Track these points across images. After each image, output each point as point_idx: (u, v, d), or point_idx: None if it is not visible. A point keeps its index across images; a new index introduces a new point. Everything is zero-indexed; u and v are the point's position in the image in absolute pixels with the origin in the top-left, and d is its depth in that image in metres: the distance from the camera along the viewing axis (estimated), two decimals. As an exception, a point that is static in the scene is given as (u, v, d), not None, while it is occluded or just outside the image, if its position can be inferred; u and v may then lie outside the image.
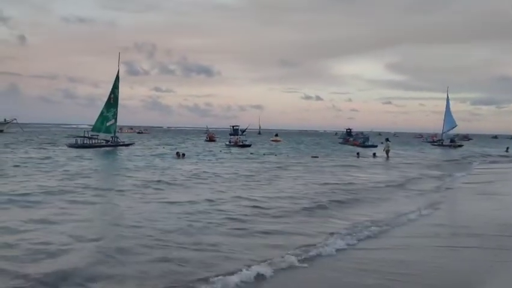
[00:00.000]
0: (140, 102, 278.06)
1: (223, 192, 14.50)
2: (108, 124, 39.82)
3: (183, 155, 30.72)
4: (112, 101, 40.49)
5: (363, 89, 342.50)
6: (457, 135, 73.55)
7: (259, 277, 6.30)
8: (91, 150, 34.88)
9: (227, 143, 50.54)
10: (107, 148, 37.39)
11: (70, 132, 54.81)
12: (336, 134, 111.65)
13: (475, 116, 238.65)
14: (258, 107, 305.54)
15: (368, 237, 8.85)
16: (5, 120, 70.41)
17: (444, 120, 66.68)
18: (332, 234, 8.95)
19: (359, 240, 8.56)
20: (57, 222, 9.32)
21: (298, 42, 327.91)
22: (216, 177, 18.75)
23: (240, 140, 49.61)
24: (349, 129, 79.33)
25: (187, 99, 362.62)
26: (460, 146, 61.92)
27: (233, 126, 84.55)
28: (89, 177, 17.69)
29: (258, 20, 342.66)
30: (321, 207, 12.15)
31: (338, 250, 7.80)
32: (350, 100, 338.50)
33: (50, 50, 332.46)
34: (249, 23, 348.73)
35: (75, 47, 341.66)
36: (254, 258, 7.14)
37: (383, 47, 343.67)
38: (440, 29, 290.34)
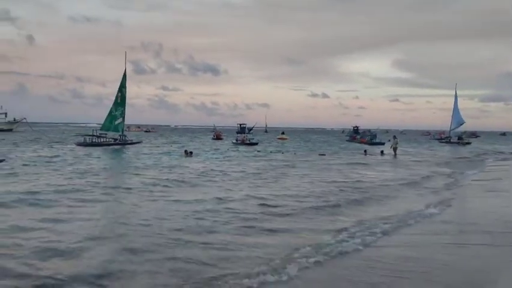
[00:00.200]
0: (147, 101, 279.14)
1: (231, 190, 14.53)
2: (116, 123, 40.18)
3: (190, 153, 30.79)
4: (120, 100, 40.80)
5: (370, 87, 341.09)
6: (465, 132, 73.00)
7: (270, 276, 6.27)
8: (99, 148, 35.11)
9: (234, 141, 50.59)
10: (115, 146, 37.65)
11: (78, 131, 55.26)
12: (343, 131, 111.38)
13: (483, 113, 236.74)
14: (265, 105, 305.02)
15: (377, 235, 8.79)
16: (14, 119, 70.97)
17: (452, 117, 66.29)
18: (340, 232, 8.94)
19: (368, 238, 8.52)
20: (67, 221, 9.36)
21: (305, 40, 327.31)
22: (223, 175, 18.79)
23: (246, 138, 49.65)
24: (356, 126, 79.01)
25: (193, 98, 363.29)
26: (468, 143, 61.46)
27: (240, 125, 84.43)
28: (98, 175, 17.82)
29: (263, 19, 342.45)
30: (329, 205, 12.11)
31: (347, 248, 7.78)
32: (356, 98, 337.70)
33: (58, 49, 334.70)
34: (254, 21, 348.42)
35: (82, 46, 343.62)
36: (263, 257, 7.14)
37: (389, 44, 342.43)
38: (446, 26, 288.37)
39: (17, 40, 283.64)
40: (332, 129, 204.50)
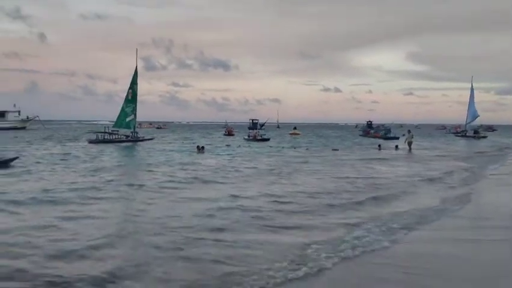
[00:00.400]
0: (159, 97, 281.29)
1: (243, 187, 14.37)
2: (128, 120, 40.38)
3: (202, 148, 30.98)
4: (131, 97, 40.98)
5: (384, 80, 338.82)
6: (481, 126, 72.05)
7: (287, 274, 6.14)
8: (111, 145, 35.24)
9: (246, 137, 50.42)
10: (127, 143, 37.78)
11: (90, 128, 55.65)
12: (356, 126, 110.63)
13: (500, 106, 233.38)
14: (276, 100, 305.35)
15: (395, 231, 8.57)
16: (27, 117, 71.72)
17: (468, 110, 65.29)
18: (356, 228, 8.75)
19: (386, 234, 8.32)
20: (79, 219, 9.29)
21: (317, 34, 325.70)
22: (235, 172, 18.63)
23: (258, 134, 49.41)
24: (370, 121, 78.44)
25: (204, 94, 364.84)
26: (484, 137, 60.52)
27: (252, 120, 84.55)
28: (110, 172, 17.79)
29: (275, 13, 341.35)
30: (343, 201, 11.89)
31: (364, 245, 7.58)
32: (370, 92, 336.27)
33: (69, 47, 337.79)
34: (265, 15, 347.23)
35: (93, 43, 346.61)
36: (279, 254, 6.98)
37: (403, 37, 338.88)
38: (462, 18, 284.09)
39: (29, 38, 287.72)
40: (345, 124, 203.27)
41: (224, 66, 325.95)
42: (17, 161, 20.55)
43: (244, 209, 10.46)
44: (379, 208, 11.12)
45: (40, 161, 22.04)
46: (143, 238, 7.88)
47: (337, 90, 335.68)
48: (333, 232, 8.50)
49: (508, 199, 12.77)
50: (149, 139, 42.68)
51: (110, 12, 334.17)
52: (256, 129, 63.91)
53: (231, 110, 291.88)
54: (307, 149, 36.35)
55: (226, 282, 5.83)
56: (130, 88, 41.17)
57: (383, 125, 68.34)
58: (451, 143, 48.41)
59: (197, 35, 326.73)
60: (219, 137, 56.36)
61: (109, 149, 31.45)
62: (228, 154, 28.98)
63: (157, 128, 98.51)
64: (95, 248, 7.18)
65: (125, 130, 40.42)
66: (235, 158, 26.21)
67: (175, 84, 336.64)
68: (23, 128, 68.67)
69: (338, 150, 34.54)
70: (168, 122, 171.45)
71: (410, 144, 35.23)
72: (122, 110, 40.54)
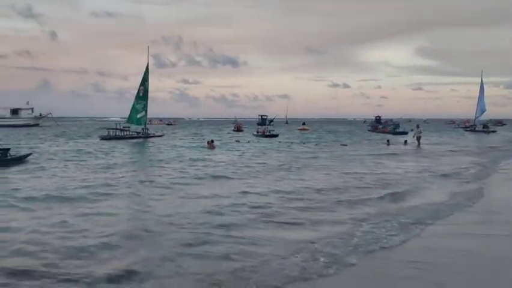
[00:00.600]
0: (169, 94, 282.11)
1: (254, 183, 14.49)
2: (138, 116, 40.85)
3: (212, 141, 31.61)
4: (142, 94, 41.41)
5: (392, 75, 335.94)
6: (490, 120, 71.34)
7: (298, 271, 6.21)
8: (122, 142, 35.63)
9: (255, 133, 50.56)
10: (138, 140, 38.17)
11: (102, 125, 56.24)
12: (364, 121, 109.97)
13: (509, 100, 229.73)
14: (285, 96, 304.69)
15: (406, 226, 8.62)
16: (40, 114, 72.53)
17: (477, 105, 64.84)
18: (365, 224, 8.80)
19: (397, 230, 8.36)
20: (91, 217, 9.39)
21: (325, 29, 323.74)
22: (245, 168, 18.79)
23: (267, 130, 49.51)
24: (378, 116, 78.01)
25: (214, 90, 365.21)
26: (493, 131, 60.04)
27: (261, 116, 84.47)
28: (122, 169, 18.03)
29: (283, 9, 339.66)
30: (353, 197, 11.96)
31: (375, 241, 7.64)
32: (378, 87, 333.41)
33: (80, 44, 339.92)
34: (274, 11, 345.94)
35: (104, 41, 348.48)
36: (290, 251, 7.05)
37: (412, 31, 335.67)
38: (471, 12, 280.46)
39: (41, 36, 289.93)
40: (354, 119, 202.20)
41: (233, 62, 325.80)
42: (30, 157, 20.98)
43: (254, 205, 10.55)
44: (390, 203, 11.16)
45: (53, 157, 22.41)
46: (155, 235, 7.96)
47: (345, 85, 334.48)
48: (344, 228, 8.56)
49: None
50: (159, 136, 43.11)
51: (121, 10, 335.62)
52: (265, 125, 63.94)
53: (241, 106, 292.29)
54: (316, 144, 36.40)
55: (238, 278, 5.90)
56: (141, 85, 41.58)
57: (391, 120, 67.86)
58: (460, 138, 48.11)
59: (206, 32, 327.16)
60: (228, 133, 56.52)
61: (120, 145, 31.82)
62: (238, 150, 29.16)
63: (167, 124, 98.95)
64: (107, 245, 7.23)
65: (136, 126, 40.92)
66: (245, 153, 26.37)
67: (184, 81, 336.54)
68: (36, 125, 69.51)
69: (346, 145, 34.58)
70: (178, 119, 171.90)
71: (418, 139, 35.14)
72: (133, 106, 41.04)
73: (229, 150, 29.05)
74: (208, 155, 25.15)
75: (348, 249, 7.17)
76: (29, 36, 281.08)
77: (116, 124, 41.41)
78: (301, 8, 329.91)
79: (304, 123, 72.39)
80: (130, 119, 40.90)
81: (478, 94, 65.47)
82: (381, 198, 11.87)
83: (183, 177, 15.68)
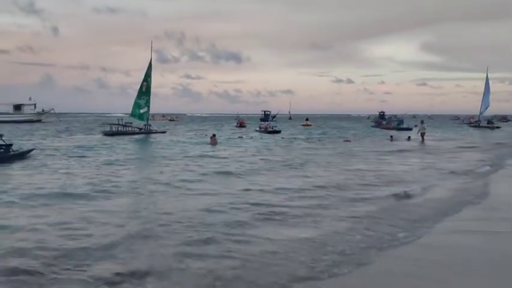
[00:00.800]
0: (171, 89, 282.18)
1: (257, 180, 14.39)
2: (141, 111, 40.91)
3: (214, 135, 32.09)
4: (145, 89, 41.40)
5: (397, 71, 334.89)
6: (495, 116, 70.99)
7: (300, 270, 6.12)
8: (125, 137, 35.61)
9: (257, 128, 50.50)
10: (140, 135, 38.17)
11: (104, 121, 56.30)
12: (368, 117, 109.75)
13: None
14: (288, 91, 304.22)
15: (412, 224, 8.51)
16: (43, 110, 72.62)
17: (482, 101, 64.55)
18: (370, 222, 8.68)
19: (403, 227, 8.26)
20: (94, 213, 9.35)
21: (329, 24, 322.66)
22: (247, 164, 18.70)
23: (269, 126, 49.42)
24: (382, 112, 77.80)
25: (216, 86, 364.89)
26: (498, 127, 59.79)
27: (264, 112, 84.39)
28: (124, 165, 17.98)
29: (287, 4, 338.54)
30: (356, 194, 11.85)
31: (382, 240, 7.53)
32: (382, 82, 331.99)
33: (83, 40, 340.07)
34: (277, 6, 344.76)
35: (106, 36, 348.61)
36: (300, 251, 6.90)
37: (416, 27, 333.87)
38: (476, 7, 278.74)
39: (43, 32, 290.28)
40: (358, 115, 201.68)
41: (236, 58, 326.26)
42: (33, 152, 20.96)
43: (257, 203, 10.45)
44: (394, 201, 11.03)
45: (55, 153, 22.40)
46: (157, 234, 7.86)
47: (349, 81, 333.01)
48: (347, 225, 8.48)
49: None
50: (162, 132, 43.10)
51: (123, 5, 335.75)
52: (268, 120, 63.87)
53: (244, 102, 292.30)
54: (319, 140, 36.30)
55: (241, 277, 5.82)
56: (144, 81, 41.58)
57: (395, 116, 67.74)
58: (464, 134, 47.87)
59: (209, 27, 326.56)
60: (231, 129, 56.46)
61: (123, 141, 31.79)
62: (240, 146, 29.10)
63: (170, 120, 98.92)
64: (107, 244, 7.13)
65: (138, 122, 40.99)
66: (248, 150, 26.30)
67: (187, 77, 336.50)
68: (39, 120, 69.61)
69: (350, 141, 34.47)
70: (181, 114, 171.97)
71: (422, 135, 34.95)
72: (136, 102, 41.12)
73: (231, 146, 28.98)
74: (211, 151, 25.09)
75: (353, 247, 7.08)
76: (32, 32, 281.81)
77: (118, 120, 41.43)
78: (305, 2, 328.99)
79: (307, 119, 72.26)
80: (133, 114, 40.92)
81: (484, 90, 65.09)
82: (385, 195, 11.72)
83: (186, 173, 15.59)
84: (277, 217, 9.18)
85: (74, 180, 13.64)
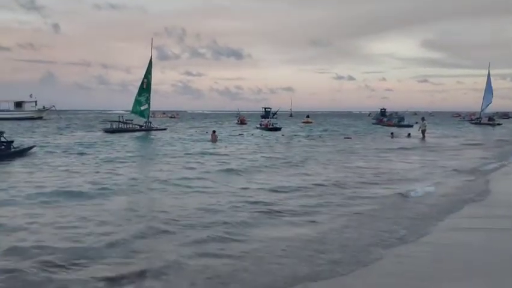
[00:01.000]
0: (172, 86, 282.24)
1: (257, 178, 14.36)
2: (142, 108, 40.97)
3: (214, 131, 32.32)
4: (145, 86, 41.41)
5: (398, 68, 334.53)
6: (496, 113, 70.88)
7: (302, 270, 6.05)
8: (125, 135, 35.63)
9: (258, 125, 50.47)
10: (140, 133, 38.18)
11: (105, 118, 56.36)
12: (369, 114, 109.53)
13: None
14: (289, 89, 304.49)
15: (414, 222, 8.44)
16: (44, 107, 72.64)
17: (483, 98, 64.44)
18: (371, 220, 8.64)
19: (405, 226, 8.19)
20: (95, 212, 9.30)
21: (329, 21, 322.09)
22: (247, 162, 18.66)
23: (270, 123, 49.38)
24: (383, 109, 77.60)
25: (217, 83, 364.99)
26: (499, 124, 59.69)
27: (265, 108, 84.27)
28: (124, 163, 17.96)
29: (287, 0, 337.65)
30: (357, 192, 11.82)
31: (384, 239, 7.46)
32: (383, 79, 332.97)
33: (83, 37, 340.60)
34: (278, 3, 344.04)
35: (107, 33, 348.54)
36: (303, 251, 6.84)
37: (417, 23, 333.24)
38: (477, 4, 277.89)
39: (44, 29, 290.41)
40: (359, 112, 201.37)
41: (237, 55, 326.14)
42: (33, 149, 20.97)
43: (257, 201, 10.41)
44: (395, 198, 10.97)
45: (56, 150, 22.40)
46: (158, 233, 7.81)
47: (350, 78, 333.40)
48: (349, 224, 8.44)
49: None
50: (162, 129, 43.11)
51: (124, 2, 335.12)
52: (268, 117, 63.74)
53: (244, 99, 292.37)
54: (320, 137, 36.28)
55: (242, 277, 5.76)
56: (144, 78, 41.60)
57: (396, 113, 67.48)
58: (465, 131, 47.79)
59: (209, 24, 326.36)
60: (232, 126, 56.43)
61: (124, 138, 31.80)
62: (241, 143, 29.08)
63: (171, 117, 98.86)
64: (108, 243, 7.07)
65: (139, 119, 41.05)
66: (248, 147, 26.28)
67: (188, 73, 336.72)
68: (40, 117, 69.62)
69: (350, 138, 34.42)
70: (181, 111, 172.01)
71: (423, 132, 34.96)
72: (136, 99, 41.14)
73: (232, 143, 28.95)
74: (212, 148, 25.07)
75: (354, 246, 7.05)
76: (32, 29, 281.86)
77: (119, 117, 41.44)
78: (305, 0, 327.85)
79: (308, 116, 72.17)
80: (134, 111, 40.95)
81: (485, 86, 64.96)
82: (385, 193, 11.67)
83: (186, 171, 15.58)
84: (276, 215, 9.15)
85: (74, 178, 13.61)
